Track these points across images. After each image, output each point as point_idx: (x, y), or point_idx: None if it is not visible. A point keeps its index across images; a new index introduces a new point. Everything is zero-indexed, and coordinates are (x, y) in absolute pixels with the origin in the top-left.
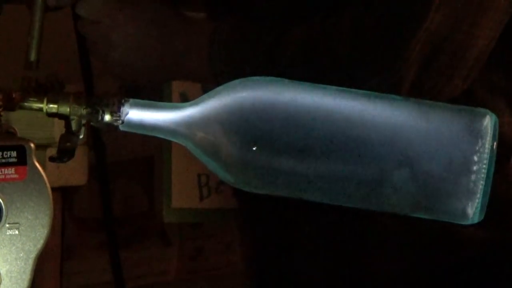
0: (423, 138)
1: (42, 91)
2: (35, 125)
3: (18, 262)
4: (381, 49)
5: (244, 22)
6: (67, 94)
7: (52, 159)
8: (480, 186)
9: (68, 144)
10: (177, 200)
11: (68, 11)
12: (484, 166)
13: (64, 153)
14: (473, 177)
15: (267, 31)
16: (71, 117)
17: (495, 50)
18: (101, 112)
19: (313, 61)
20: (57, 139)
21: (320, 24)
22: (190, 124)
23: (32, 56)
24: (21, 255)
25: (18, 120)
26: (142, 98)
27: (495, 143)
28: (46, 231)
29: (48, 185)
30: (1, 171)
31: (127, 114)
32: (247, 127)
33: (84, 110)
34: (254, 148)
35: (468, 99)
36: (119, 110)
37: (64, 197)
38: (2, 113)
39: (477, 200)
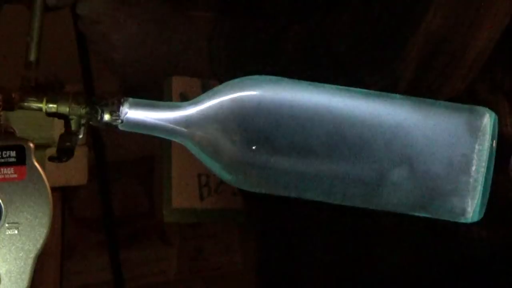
0: (422, 136)
1: (41, 91)
2: (34, 125)
3: (18, 262)
4: (379, 48)
5: (244, 20)
6: (66, 94)
7: (51, 159)
8: (480, 185)
9: (68, 143)
10: (177, 200)
11: (68, 11)
12: (483, 164)
13: (64, 153)
14: (472, 175)
15: (266, 28)
16: (70, 116)
17: (497, 49)
18: (100, 111)
19: (312, 59)
20: (56, 139)
21: (320, 22)
22: (189, 124)
23: (32, 56)
24: (21, 255)
25: (17, 120)
26: (142, 98)
27: (494, 141)
28: (45, 231)
29: (47, 185)
30: (0, 171)
31: (126, 113)
32: (246, 127)
33: (84, 109)
34: (253, 148)
35: (470, 99)
36: (118, 110)
37: (64, 197)
38: (1, 113)
39: (476, 198)
